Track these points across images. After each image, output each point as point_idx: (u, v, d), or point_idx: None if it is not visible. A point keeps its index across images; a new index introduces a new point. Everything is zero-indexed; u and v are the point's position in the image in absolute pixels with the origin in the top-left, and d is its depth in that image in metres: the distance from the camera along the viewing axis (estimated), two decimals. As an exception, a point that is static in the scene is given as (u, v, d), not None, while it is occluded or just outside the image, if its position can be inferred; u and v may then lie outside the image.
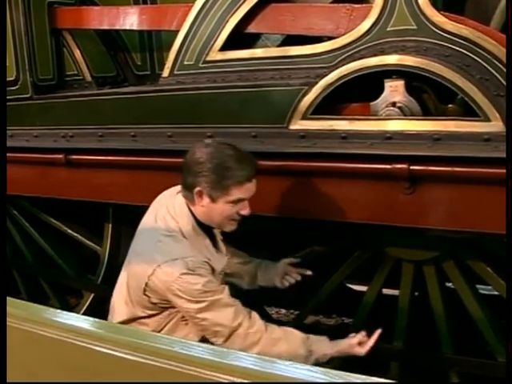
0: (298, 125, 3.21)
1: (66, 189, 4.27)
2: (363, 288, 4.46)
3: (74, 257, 5.34)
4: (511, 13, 2.78)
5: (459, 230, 3.00)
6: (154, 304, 3.03)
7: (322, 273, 4.24)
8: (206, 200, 2.95)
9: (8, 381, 1.56)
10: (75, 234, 5.15)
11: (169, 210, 3.08)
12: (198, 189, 2.93)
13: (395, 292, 3.93)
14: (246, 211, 3.00)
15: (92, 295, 5.13)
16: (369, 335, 3.23)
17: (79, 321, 1.72)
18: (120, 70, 4.60)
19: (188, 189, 2.99)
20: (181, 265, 2.86)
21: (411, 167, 2.91)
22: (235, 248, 3.66)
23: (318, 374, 1.34)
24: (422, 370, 3.96)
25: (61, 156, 4.14)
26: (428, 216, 3.02)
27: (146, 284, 2.93)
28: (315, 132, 3.16)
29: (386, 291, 4.08)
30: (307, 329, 4.13)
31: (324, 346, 3.11)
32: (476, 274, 3.58)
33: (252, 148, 3.26)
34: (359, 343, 3.15)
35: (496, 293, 3.74)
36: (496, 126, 2.78)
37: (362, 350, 3.13)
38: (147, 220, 3.22)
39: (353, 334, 3.20)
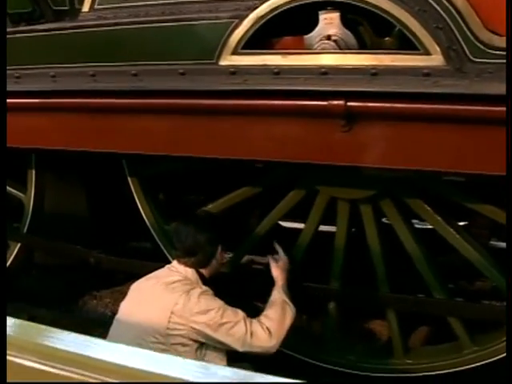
0: (228, 60, 3.04)
1: (-17, 135, 4.00)
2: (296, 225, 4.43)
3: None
4: (511, 13, 2.62)
5: (397, 169, 2.91)
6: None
7: (256, 213, 4.16)
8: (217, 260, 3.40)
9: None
10: (-4, 182, 4.91)
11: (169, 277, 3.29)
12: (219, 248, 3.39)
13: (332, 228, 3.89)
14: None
15: (18, 245, 4.91)
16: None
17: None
18: (36, 6, 4.25)
19: (205, 261, 3.35)
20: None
21: (348, 103, 2.78)
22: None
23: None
24: (359, 310, 3.95)
25: (-25, 100, 3.85)
26: (365, 154, 2.91)
27: (170, 317, 3.08)
28: (246, 68, 3.00)
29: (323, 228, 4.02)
30: (242, 268, 4.09)
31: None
32: (412, 211, 3.54)
33: (180, 86, 3.10)
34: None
35: (430, 227, 3.73)
36: (436, 59, 2.67)
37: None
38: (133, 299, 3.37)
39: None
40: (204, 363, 1.25)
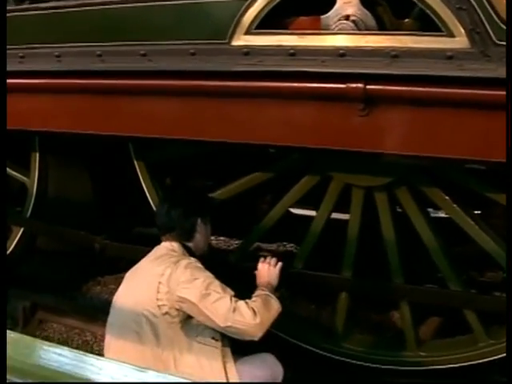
0: (241, 40, 2.91)
1: (-15, 116, 3.88)
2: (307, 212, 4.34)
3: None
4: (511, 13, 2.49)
5: (417, 156, 2.79)
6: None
7: (267, 199, 4.07)
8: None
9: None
10: (-1, 165, 4.81)
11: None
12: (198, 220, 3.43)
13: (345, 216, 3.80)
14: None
15: (22, 230, 4.82)
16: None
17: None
18: (41, -18, 4.15)
19: (189, 233, 3.41)
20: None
21: (367, 86, 2.66)
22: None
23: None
24: (371, 300, 3.86)
25: (-23, 80, 3.73)
26: (384, 140, 2.78)
27: (158, 287, 3.07)
28: (260, 48, 2.87)
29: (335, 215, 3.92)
30: (251, 255, 4.00)
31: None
32: (428, 200, 3.44)
33: (191, 67, 2.97)
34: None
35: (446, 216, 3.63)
36: (460, 42, 2.54)
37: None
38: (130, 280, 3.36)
39: (261, 259, 3.44)
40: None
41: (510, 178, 2.53)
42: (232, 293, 3.05)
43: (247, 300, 3.06)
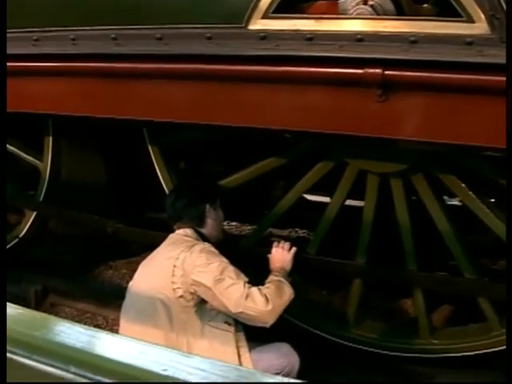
0: (258, 24, 2.87)
1: (0, 99, 3.87)
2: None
3: (12, 173, 5.01)
4: (511, 14, 2.45)
5: (435, 142, 2.76)
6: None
7: (280, 185, 4.05)
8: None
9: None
10: (13, 149, 4.81)
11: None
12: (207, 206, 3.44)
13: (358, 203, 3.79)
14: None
15: (34, 214, 4.82)
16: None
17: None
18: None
19: (197, 216, 3.43)
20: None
21: (385, 72, 2.63)
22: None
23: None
24: (386, 287, 3.84)
25: (-9, 63, 3.72)
26: (401, 126, 2.76)
27: (173, 271, 3.07)
28: (277, 33, 2.83)
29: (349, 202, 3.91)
30: (263, 241, 4.00)
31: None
32: (444, 187, 3.41)
33: (207, 51, 2.96)
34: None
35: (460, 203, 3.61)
36: (480, 27, 2.50)
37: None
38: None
39: (275, 244, 3.43)
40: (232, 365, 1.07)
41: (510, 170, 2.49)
42: (246, 279, 3.05)
43: (260, 286, 3.06)
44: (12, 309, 1.31)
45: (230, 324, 3.15)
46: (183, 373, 0.99)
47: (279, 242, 3.43)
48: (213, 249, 3.19)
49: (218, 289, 2.99)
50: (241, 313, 2.98)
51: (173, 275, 3.07)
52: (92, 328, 1.24)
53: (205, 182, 3.86)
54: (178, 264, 3.08)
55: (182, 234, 3.36)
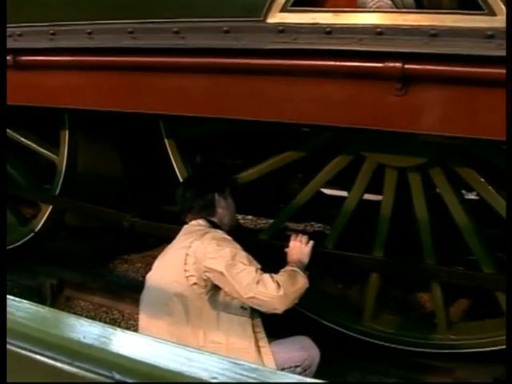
0: (276, 18, 2.85)
1: (15, 94, 3.84)
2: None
3: (28, 167, 5.03)
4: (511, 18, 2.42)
5: (455, 136, 2.74)
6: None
7: (298, 179, 4.03)
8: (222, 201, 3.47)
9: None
10: (29, 143, 4.82)
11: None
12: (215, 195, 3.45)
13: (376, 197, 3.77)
14: None
15: (50, 207, 4.83)
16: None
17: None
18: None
19: (206, 205, 3.43)
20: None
21: (405, 66, 2.61)
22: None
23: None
24: (403, 281, 3.82)
25: (8, 57, 3.70)
26: (421, 120, 2.74)
27: (186, 259, 3.08)
28: (296, 26, 2.81)
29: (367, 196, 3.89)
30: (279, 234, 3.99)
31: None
32: (462, 181, 3.39)
33: (225, 45, 2.94)
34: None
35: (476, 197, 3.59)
36: (501, 20, 2.47)
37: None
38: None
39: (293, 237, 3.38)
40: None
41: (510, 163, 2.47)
42: (258, 265, 3.05)
43: (273, 274, 3.05)
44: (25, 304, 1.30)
45: (245, 309, 3.14)
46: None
47: (297, 236, 3.40)
48: (225, 235, 3.20)
49: (230, 274, 2.99)
50: (252, 297, 2.97)
51: (185, 263, 3.09)
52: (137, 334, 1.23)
53: (212, 171, 3.90)
54: (190, 252, 3.10)
55: (194, 224, 3.37)
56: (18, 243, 5.00)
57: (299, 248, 3.32)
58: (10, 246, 4.95)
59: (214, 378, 0.95)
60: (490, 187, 3.31)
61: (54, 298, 4.81)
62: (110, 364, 1.03)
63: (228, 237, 3.18)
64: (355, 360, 3.82)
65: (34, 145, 4.84)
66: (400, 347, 3.75)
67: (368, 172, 3.53)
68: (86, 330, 1.19)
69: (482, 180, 3.29)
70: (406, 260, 3.63)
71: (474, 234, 3.43)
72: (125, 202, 4.53)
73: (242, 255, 3.05)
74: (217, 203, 3.45)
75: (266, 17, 2.87)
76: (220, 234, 3.21)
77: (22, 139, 4.85)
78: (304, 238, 3.36)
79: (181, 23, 3.07)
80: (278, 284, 2.97)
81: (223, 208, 3.48)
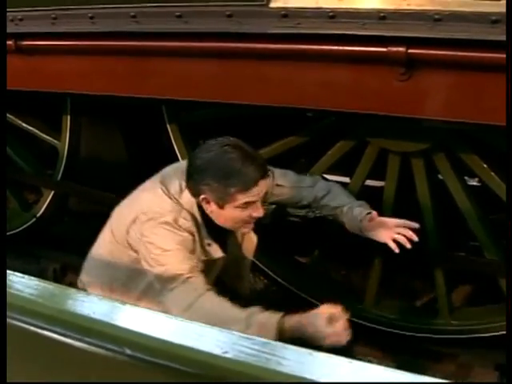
0: (279, 2, 2.84)
1: (17, 79, 3.85)
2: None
3: (30, 152, 5.02)
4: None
5: (458, 122, 2.73)
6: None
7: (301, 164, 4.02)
8: (213, 206, 2.87)
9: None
10: (31, 128, 4.82)
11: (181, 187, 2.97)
12: (202, 196, 2.86)
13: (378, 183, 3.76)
14: (257, 213, 2.88)
15: (52, 192, 4.83)
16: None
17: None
18: None
19: (194, 195, 2.91)
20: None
21: (409, 50, 2.61)
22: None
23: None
24: (407, 266, 3.82)
25: (10, 42, 3.70)
26: (425, 105, 2.74)
27: (127, 231, 3.01)
28: (299, 10, 2.80)
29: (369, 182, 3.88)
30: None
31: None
32: (466, 167, 3.38)
33: (227, 29, 2.93)
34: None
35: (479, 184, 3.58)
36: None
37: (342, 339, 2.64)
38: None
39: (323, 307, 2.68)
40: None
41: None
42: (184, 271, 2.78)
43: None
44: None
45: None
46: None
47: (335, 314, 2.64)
48: (181, 233, 2.91)
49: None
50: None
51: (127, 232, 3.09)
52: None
53: None
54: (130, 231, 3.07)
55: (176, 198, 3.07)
56: (21, 228, 5.00)
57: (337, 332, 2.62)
58: (13, 232, 4.96)
59: (226, 352, 0.96)
60: (493, 174, 3.30)
61: (57, 283, 4.81)
62: (120, 340, 1.04)
63: (186, 235, 2.89)
64: (356, 345, 3.82)
65: (35, 130, 4.82)
66: (402, 332, 3.75)
67: (371, 157, 3.52)
68: (96, 306, 1.19)
69: (485, 166, 3.28)
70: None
71: (478, 219, 3.42)
72: (128, 187, 4.53)
73: (171, 259, 2.84)
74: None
75: (269, 1, 2.86)
76: (177, 226, 2.89)
77: (24, 125, 4.84)
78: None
79: (183, 7, 3.06)
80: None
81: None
